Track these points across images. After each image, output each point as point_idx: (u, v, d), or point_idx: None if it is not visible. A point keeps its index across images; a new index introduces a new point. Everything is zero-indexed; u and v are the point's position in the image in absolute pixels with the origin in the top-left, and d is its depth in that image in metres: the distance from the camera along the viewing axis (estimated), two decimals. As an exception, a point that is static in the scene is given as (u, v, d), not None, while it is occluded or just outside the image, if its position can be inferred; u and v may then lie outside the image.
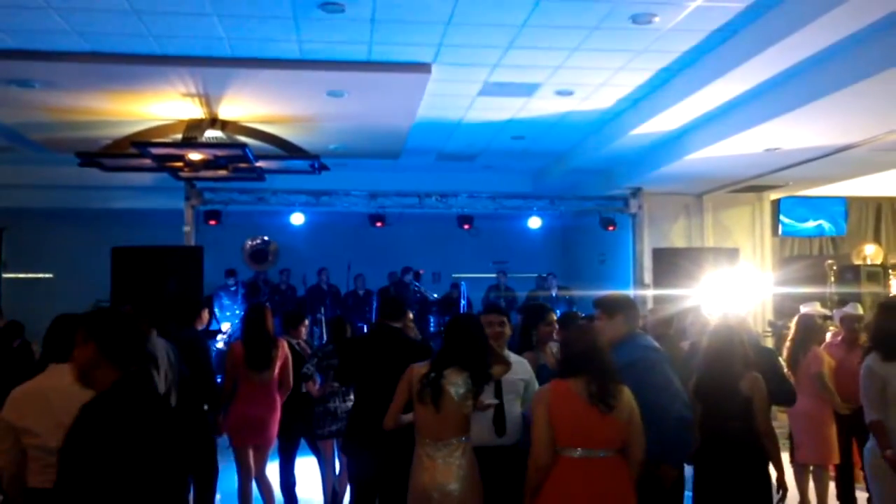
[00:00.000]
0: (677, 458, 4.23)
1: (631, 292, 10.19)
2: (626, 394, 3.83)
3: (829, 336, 7.04)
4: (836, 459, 6.41)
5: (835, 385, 6.38)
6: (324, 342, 8.98)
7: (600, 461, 3.75)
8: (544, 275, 13.47)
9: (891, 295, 10.45)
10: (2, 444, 3.69)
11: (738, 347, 4.60)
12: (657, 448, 4.06)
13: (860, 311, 7.00)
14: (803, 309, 7.32)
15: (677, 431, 4.10)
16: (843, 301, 8.73)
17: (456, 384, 4.23)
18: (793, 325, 6.69)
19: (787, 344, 6.62)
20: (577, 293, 12.92)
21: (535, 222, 12.76)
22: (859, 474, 6.62)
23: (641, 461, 3.83)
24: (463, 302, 12.97)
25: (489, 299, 13.18)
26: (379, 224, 11.85)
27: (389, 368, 4.87)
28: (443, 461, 4.18)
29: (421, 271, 13.67)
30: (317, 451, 6.65)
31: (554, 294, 12.86)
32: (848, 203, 12.35)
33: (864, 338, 6.75)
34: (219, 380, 6.66)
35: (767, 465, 4.51)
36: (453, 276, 13.96)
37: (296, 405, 6.39)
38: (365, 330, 11.71)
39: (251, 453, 6.17)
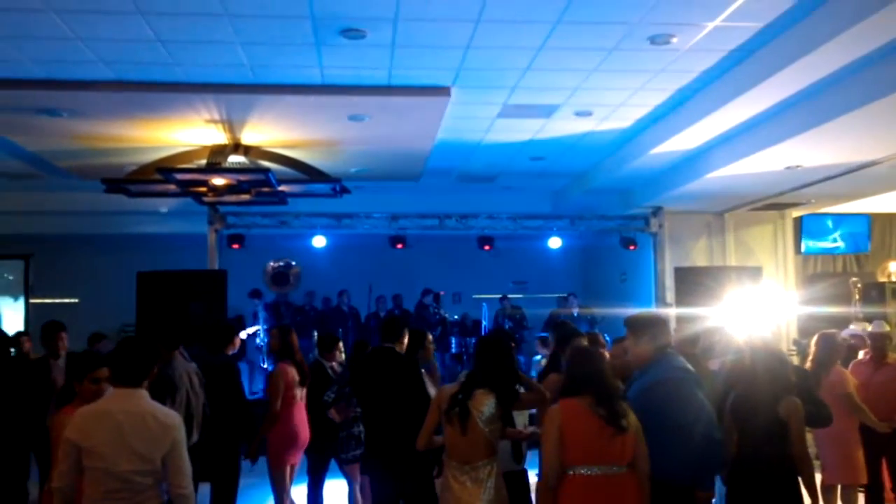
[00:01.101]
0: (705, 478, 4.16)
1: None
2: (631, 411, 3.94)
3: (861, 354, 6.94)
4: (863, 479, 6.32)
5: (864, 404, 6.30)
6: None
7: (615, 477, 3.82)
8: (564, 295, 13.46)
9: None
10: (62, 464, 3.72)
11: (780, 369, 4.50)
12: (686, 469, 4.03)
13: (886, 328, 6.92)
14: (852, 328, 7.23)
15: (704, 451, 4.06)
16: (868, 320, 8.64)
17: (482, 407, 4.25)
18: (813, 344, 6.58)
19: (809, 363, 6.51)
20: (598, 312, 12.89)
21: (555, 242, 12.74)
22: (890, 495, 6.54)
23: (648, 474, 3.90)
24: (485, 323, 12.99)
25: (497, 322, 13.20)
26: (399, 246, 11.92)
27: (383, 387, 5.11)
28: (470, 483, 4.20)
29: (441, 293, 13.70)
30: (346, 474, 6.67)
31: (576, 313, 12.84)
32: (871, 220, 12.26)
33: (893, 356, 6.69)
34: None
35: (800, 491, 4.39)
36: (474, 296, 13.97)
37: (327, 427, 6.42)
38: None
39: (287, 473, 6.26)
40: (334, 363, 6.89)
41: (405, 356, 5.48)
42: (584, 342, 5.53)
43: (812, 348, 6.48)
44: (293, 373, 6.33)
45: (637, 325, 4.45)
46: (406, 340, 5.53)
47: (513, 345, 5.07)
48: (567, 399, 3.97)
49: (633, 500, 3.86)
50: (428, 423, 4.44)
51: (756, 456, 4.33)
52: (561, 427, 3.85)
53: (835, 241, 12.10)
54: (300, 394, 6.35)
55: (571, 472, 3.83)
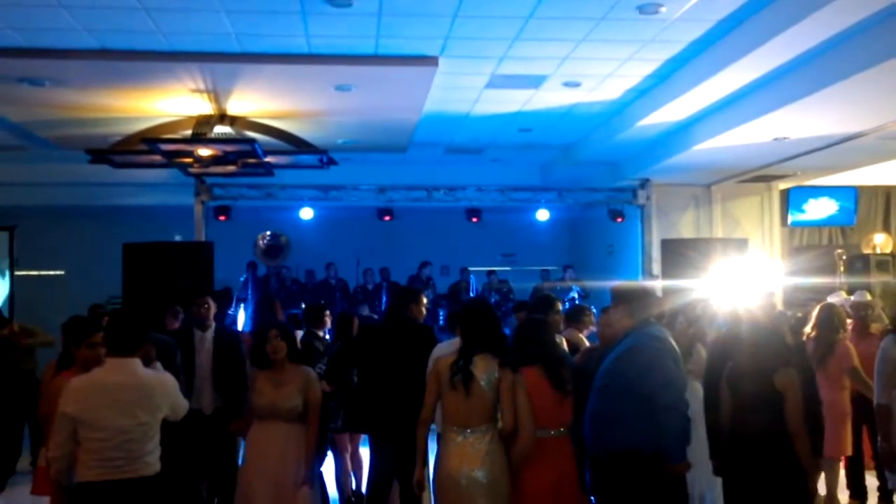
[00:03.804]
0: (671, 449, 4.06)
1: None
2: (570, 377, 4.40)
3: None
4: (849, 451, 6.36)
5: None
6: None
7: (557, 440, 4.33)
8: (548, 268, 13.53)
9: None
10: (58, 434, 3.74)
11: (777, 341, 4.44)
12: (651, 440, 4.02)
13: (868, 297, 6.96)
14: (831, 298, 7.21)
15: (668, 421, 4.01)
16: (850, 290, 8.70)
17: (483, 372, 4.30)
18: (815, 315, 6.53)
19: (812, 334, 6.41)
20: (587, 285, 12.91)
21: (543, 214, 12.79)
22: (870, 463, 6.63)
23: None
24: (472, 294, 13.01)
25: (483, 295, 13.23)
26: (387, 218, 11.94)
27: (398, 354, 5.19)
28: (471, 447, 4.24)
29: (429, 264, 13.70)
30: (333, 444, 6.64)
31: (560, 286, 12.83)
32: (858, 192, 12.32)
33: (875, 326, 6.73)
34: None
35: (796, 462, 4.25)
36: (461, 269, 13.97)
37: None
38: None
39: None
40: (322, 333, 6.85)
41: (424, 326, 5.60)
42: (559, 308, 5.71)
43: (813, 319, 6.45)
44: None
45: (621, 296, 4.49)
46: (421, 308, 5.55)
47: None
48: (524, 368, 4.34)
49: (571, 459, 4.35)
50: (430, 397, 4.43)
51: (750, 427, 4.28)
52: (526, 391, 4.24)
53: (821, 212, 12.15)
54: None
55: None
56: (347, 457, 6.62)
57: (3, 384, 6.71)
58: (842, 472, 6.52)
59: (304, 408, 4.76)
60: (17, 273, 12.29)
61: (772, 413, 4.23)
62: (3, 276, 12.07)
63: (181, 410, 4.02)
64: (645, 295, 4.58)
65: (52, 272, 13.84)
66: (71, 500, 3.80)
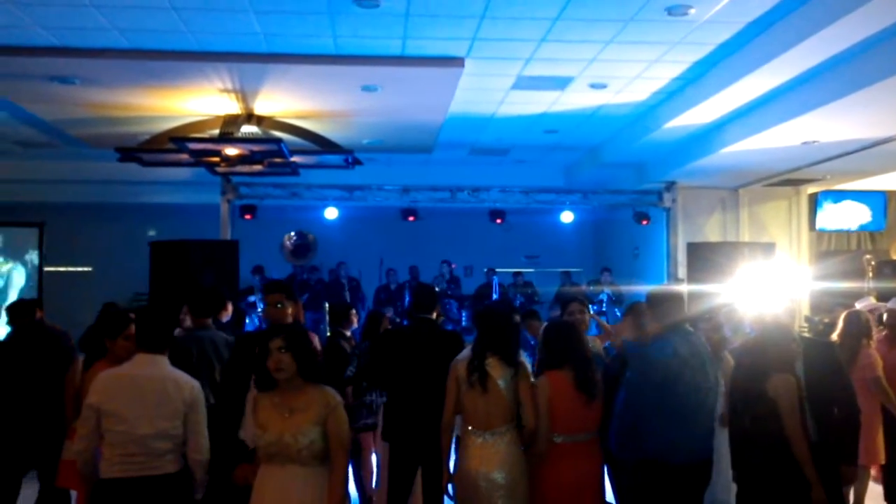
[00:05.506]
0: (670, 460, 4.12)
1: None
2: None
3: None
4: (881, 460, 6.26)
5: None
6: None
7: (585, 444, 4.35)
8: (568, 270, 13.50)
9: None
10: (83, 428, 3.80)
11: (774, 346, 4.32)
12: (682, 452, 3.99)
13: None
14: (890, 304, 7.05)
15: (699, 435, 4.04)
16: (881, 296, 8.55)
17: (498, 374, 4.34)
18: (841, 321, 6.42)
19: (838, 341, 6.33)
20: (623, 289, 12.78)
21: (567, 216, 12.73)
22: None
23: None
24: (495, 296, 13.00)
25: (507, 296, 13.20)
26: (411, 218, 11.95)
27: (425, 360, 5.07)
28: (491, 449, 4.28)
29: (453, 265, 13.71)
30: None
31: (603, 289, 12.72)
32: (887, 197, 12.16)
33: None
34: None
35: (800, 471, 4.12)
36: (486, 269, 13.96)
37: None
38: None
39: None
40: (349, 332, 6.82)
41: (451, 332, 5.60)
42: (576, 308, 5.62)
43: (840, 326, 6.33)
44: None
45: (654, 301, 4.56)
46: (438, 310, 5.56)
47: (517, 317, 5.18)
48: (551, 372, 4.37)
49: (598, 465, 4.41)
50: (450, 398, 4.46)
51: (757, 434, 4.21)
52: (549, 399, 4.26)
53: (850, 217, 11.99)
54: None
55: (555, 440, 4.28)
56: (372, 457, 6.61)
57: (41, 373, 6.47)
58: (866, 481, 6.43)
59: (324, 444, 3.49)
60: (46, 269, 12.44)
61: (774, 420, 4.10)
62: (26, 268, 12.21)
63: (198, 414, 3.87)
64: (680, 299, 4.63)
65: (80, 268, 14.03)
66: (94, 495, 3.85)
